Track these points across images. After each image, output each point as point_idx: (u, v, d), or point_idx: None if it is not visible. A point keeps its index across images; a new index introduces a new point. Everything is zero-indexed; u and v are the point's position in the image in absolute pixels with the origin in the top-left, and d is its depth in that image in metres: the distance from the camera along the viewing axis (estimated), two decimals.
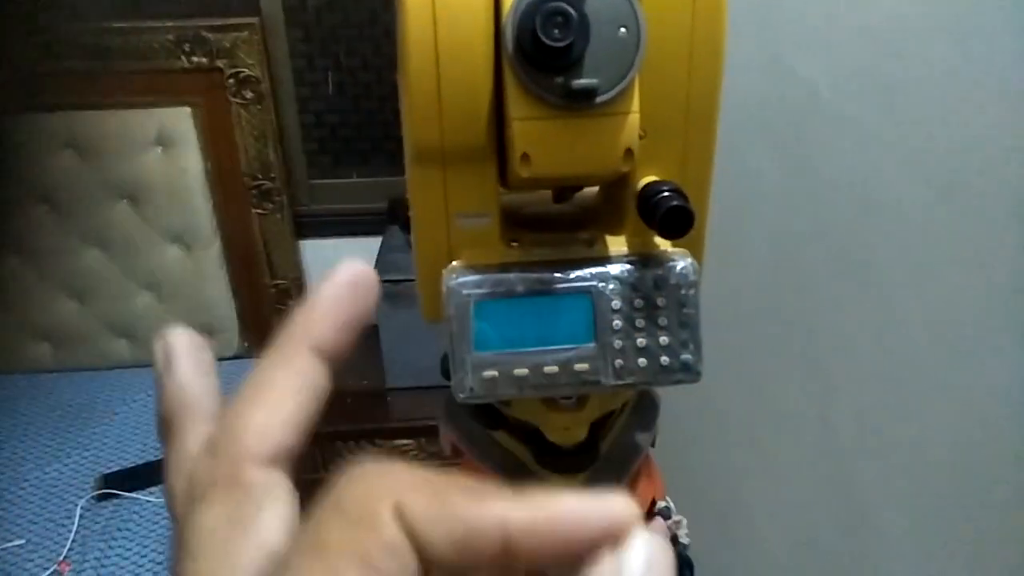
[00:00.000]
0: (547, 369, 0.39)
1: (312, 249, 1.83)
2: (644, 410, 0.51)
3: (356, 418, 1.64)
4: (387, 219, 1.66)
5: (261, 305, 1.82)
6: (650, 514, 0.51)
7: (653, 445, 0.52)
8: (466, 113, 0.37)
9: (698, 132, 0.40)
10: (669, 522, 0.51)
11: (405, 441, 1.61)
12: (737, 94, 0.87)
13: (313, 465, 1.64)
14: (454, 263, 0.41)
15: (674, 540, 0.51)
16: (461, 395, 0.39)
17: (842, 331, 0.76)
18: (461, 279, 0.39)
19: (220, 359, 1.77)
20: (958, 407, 0.65)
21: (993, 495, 0.63)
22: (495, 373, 0.39)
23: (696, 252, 0.42)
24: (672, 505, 0.52)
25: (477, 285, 0.39)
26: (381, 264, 1.61)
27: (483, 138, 0.38)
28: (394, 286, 1.56)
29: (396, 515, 0.17)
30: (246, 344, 1.84)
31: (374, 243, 1.69)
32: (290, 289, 1.81)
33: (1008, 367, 0.59)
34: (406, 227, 0.45)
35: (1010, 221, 0.59)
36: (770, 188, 0.84)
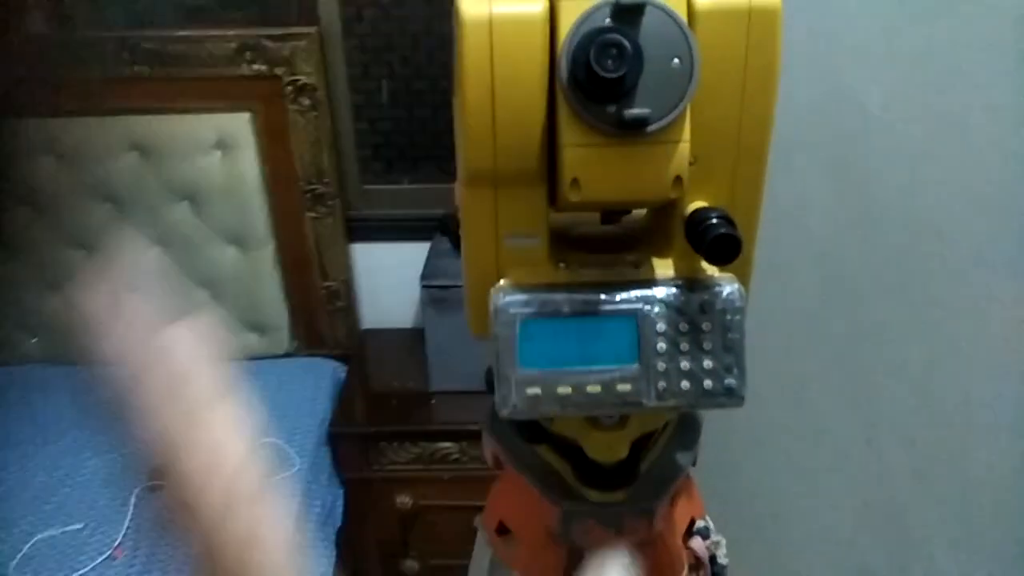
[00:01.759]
0: (590, 388, 0.40)
1: (362, 253, 1.87)
2: (686, 430, 0.52)
3: (400, 419, 1.66)
4: (439, 230, 1.68)
5: (312, 306, 1.86)
6: (688, 533, 0.52)
7: (694, 465, 0.52)
8: (519, 139, 0.38)
9: (748, 160, 0.41)
10: (708, 542, 0.51)
11: (447, 444, 1.63)
12: (790, 112, 0.87)
13: (358, 464, 1.67)
14: (502, 282, 0.42)
15: (712, 560, 0.51)
16: (504, 411, 0.40)
17: (891, 354, 0.75)
18: (509, 298, 0.41)
19: (271, 356, 1.82)
20: (1009, 436, 0.64)
21: None
22: (538, 391, 0.40)
23: (743, 277, 0.43)
24: (711, 525, 0.52)
25: (524, 304, 0.40)
26: (428, 270, 1.63)
27: (535, 163, 0.39)
28: (440, 292, 1.58)
29: None
30: (296, 343, 1.88)
31: (422, 249, 1.71)
32: (340, 291, 1.85)
33: None
34: (457, 243, 0.46)
35: None
36: (820, 207, 0.83)
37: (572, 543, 0.47)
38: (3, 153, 1.67)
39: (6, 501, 1.48)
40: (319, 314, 1.87)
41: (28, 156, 1.67)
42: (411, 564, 1.78)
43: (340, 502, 1.69)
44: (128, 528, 1.41)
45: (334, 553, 1.61)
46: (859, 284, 0.79)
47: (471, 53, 0.37)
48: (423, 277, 1.60)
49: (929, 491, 0.72)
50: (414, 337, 1.85)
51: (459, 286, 1.59)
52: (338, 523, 1.66)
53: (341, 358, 1.88)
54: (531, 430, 0.48)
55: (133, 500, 1.46)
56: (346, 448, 1.67)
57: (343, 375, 1.84)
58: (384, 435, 1.64)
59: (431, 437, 1.63)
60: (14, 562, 1.34)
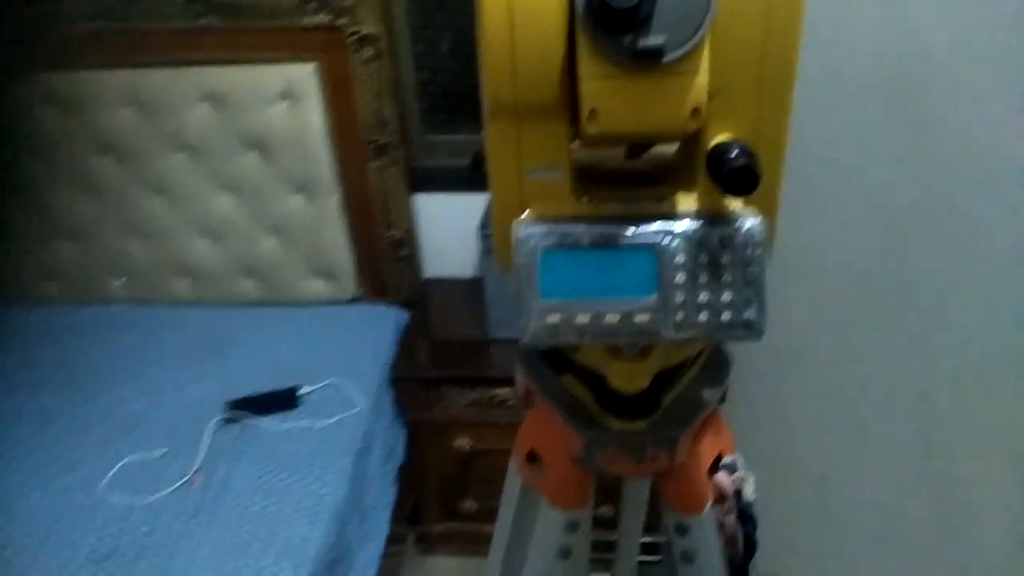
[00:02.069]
0: (608, 318, 0.41)
1: (424, 202, 1.90)
2: (715, 367, 0.52)
3: (459, 365, 1.70)
4: (470, 172, 1.69)
5: (376, 254, 1.90)
6: (715, 468, 0.52)
7: (722, 402, 0.53)
8: (539, 71, 0.39)
9: (773, 93, 0.40)
10: (734, 476, 0.52)
11: (504, 390, 1.66)
12: (855, 55, 0.84)
13: (419, 407, 1.73)
14: (524, 214, 0.43)
15: (738, 494, 0.52)
16: (525, 338, 0.42)
17: (947, 303, 0.73)
18: (530, 230, 0.42)
19: (338, 302, 1.89)
20: None
21: None
22: (558, 319, 0.41)
23: (769, 211, 0.43)
24: (740, 461, 0.53)
25: (545, 236, 0.42)
26: (487, 219, 1.65)
27: (554, 95, 0.40)
28: None
29: None
30: (361, 289, 1.94)
31: (482, 198, 1.73)
32: (403, 240, 1.89)
33: None
34: (484, 181, 0.47)
35: None
36: (881, 154, 0.81)
37: (595, 470, 0.49)
38: (84, 103, 1.76)
39: (97, 427, 1.60)
40: (383, 262, 1.92)
41: (108, 107, 1.75)
42: (469, 504, 1.84)
43: (402, 442, 1.76)
44: (205, 456, 1.50)
45: (395, 490, 1.68)
46: (920, 231, 0.77)
47: None
48: (483, 225, 1.62)
49: (976, 444, 0.70)
50: (474, 286, 1.88)
51: None
52: (399, 462, 1.73)
53: (404, 305, 1.93)
54: (557, 361, 0.50)
55: (209, 430, 1.55)
56: (408, 391, 1.72)
57: (405, 322, 1.89)
58: (444, 380, 1.69)
59: (489, 383, 1.67)
60: (104, 481, 1.45)
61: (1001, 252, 0.66)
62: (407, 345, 1.80)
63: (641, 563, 0.79)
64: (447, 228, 1.92)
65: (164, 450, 1.52)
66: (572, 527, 0.53)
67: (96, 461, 1.50)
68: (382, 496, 1.63)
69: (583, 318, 0.41)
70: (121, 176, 1.84)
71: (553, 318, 0.41)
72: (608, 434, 0.48)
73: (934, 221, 0.74)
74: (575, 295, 0.42)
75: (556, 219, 0.42)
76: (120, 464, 1.48)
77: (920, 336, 0.77)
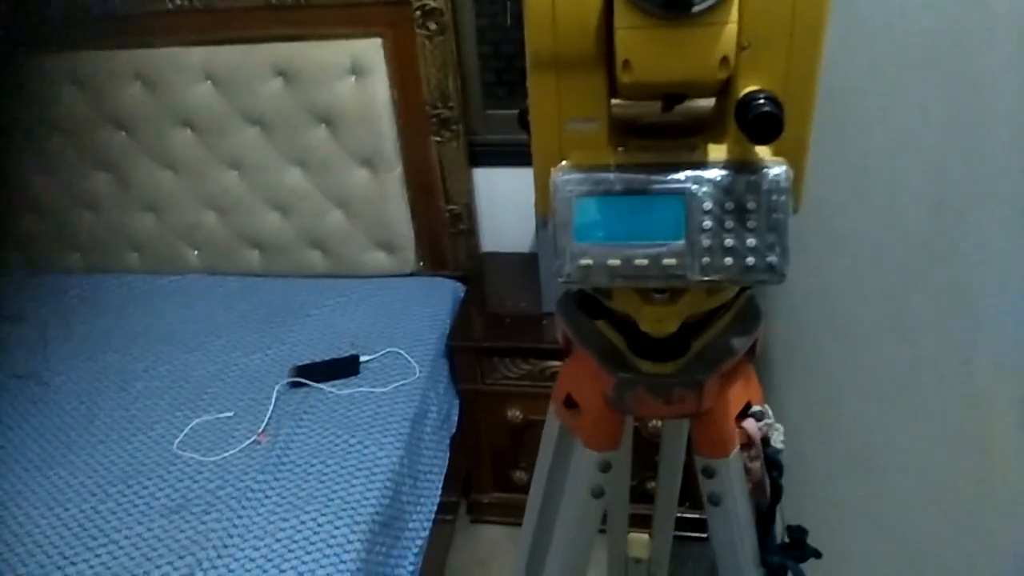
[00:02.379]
0: (637, 262, 0.44)
1: (483, 177, 1.93)
2: (746, 317, 0.54)
3: (513, 338, 1.74)
4: (518, 124, 1.71)
5: (436, 227, 1.95)
6: (743, 415, 0.54)
7: (754, 353, 0.55)
8: (576, 23, 0.41)
9: (802, 45, 0.42)
10: (761, 424, 0.54)
11: (556, 362, 1.69)
12: (908, 19, 0.83)
13: (473, 377, 1.77)
14: (563, 163, 0.46)
15: (765, 441, 0.54)
16: (560, 279, 0.45)
17: (995, 271, 0.72)
18: (566, 176, 0.45)
19: (398, 275, 1.94)
20: None
21: None
22: (590, 262, 0.44)
23: (796, 162, 0.44)
24: (768, 411, 0.55)
25: (580, 183, 0.44)
26: None
27: (592, 47, 0.42)
28: None
29: None
30: (421, 263, 1.99)
31: None
32: (462, 214, 1.93)
33: None
34: (529, 132, 0.50)
35: None
36: (933, 124, 0.80)
37: (625, 411, 0.52)
38: (162, 77, 1.85)
39: (172, 390, 1.70)
40: (442, 236, 1.97)
41: (188, 81, 1.84)
42: (520, 475, 1.88)
43: (456, 411, 1.81)
44: (270, 419, 1.58)
45: (447, 456, 1.73)
46: (970, 199, 0.76)
47: None
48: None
49: (1019, 417, 0.70)
50: (530, 261, 1.92)
51: None
52: (453, 430, 1.78)
53: (461, 279, 1.97)
54: (592, 307, 0.52)
55: (275, 395, 1.63)
56: (463, 361, 1.77)
57: (462, 294, 1.94)
58: (498, 351, 1.73)
59: (541, 355, 1.70)
60: (177, 440, 1.55)
61: None
62: (464, 317, 1.85)
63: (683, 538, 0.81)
64: (505, 203, 1.95)
65: (232, 412, 1.61)
66: (605, 467, 0.55)
67: (171, 421, 1.60)
68: (435, 462, 1.68)
69: (614, 261, 0.44)
70: (197, 150, 1.93)
71: (586, 260, 0.44)
72: (638, 376, 0.50)
73: (983, 186, 0.73)
74: (607, 239, 0.44)
75: (591, 167, 0.45)
76: (192, 424, 1.58)
77: (966, 305, 0.76)
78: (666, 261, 0.43)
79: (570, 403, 0.56)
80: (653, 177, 0.44)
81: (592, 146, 0.46)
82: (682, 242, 0.43)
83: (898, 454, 0.90)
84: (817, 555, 0.57)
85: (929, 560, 0.81)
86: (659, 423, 1.49)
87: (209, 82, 1.84)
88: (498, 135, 1.88)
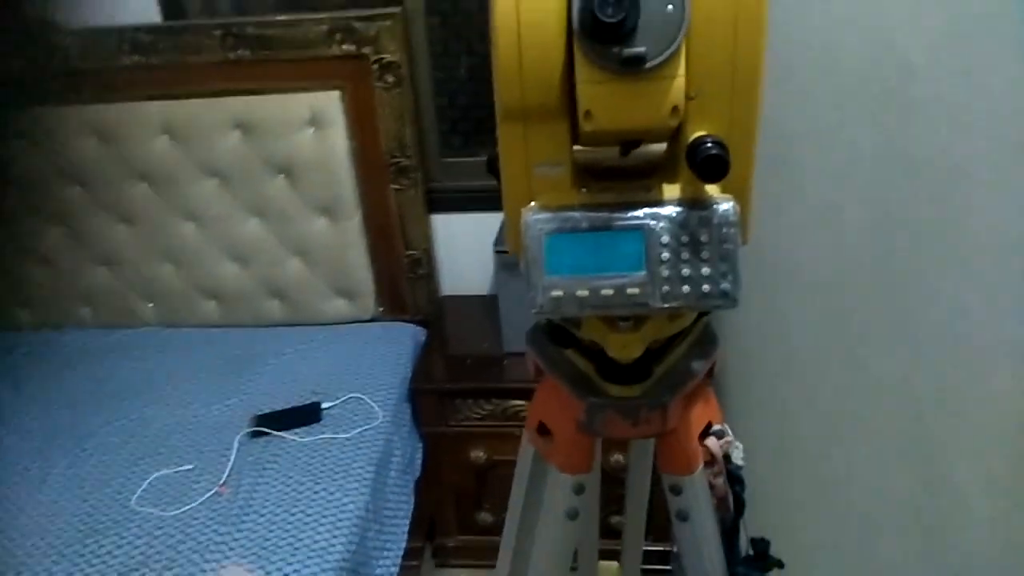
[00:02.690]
0: (604, 292, 0.48)
1: (442, 222, 1.98)
2: (703, 343, 0.58)
3: (475, 378, 1.76)
4: (487, 171, 1.76)
5: (395, 273, 1.98)
6: (705, 434, 0.58)
7: (711, 375, 0.59)
8: (542, 78, 0.46)
9: (743, 94, 0.47)
10: (722, 441, 0.58)
11: (518, 402, 1.72)
12: (837, 68, 0.91)
13: (436, 419, 1.78)
14: (532, 204, 0.50)
15: (727, 458, 0.58)
16: (533, 310, 0.49)
17: (930, 298, 0.78)
18: (536, 216, 0.49)
19: (358, 321, 1.95)
20: None
21: None
22: (561, 293, 0.48)
23: (742, 198, 0.49)
24: (728, 429, 0.59)
25: (548, 221, 0.48)
26: (501, 236, 1.72)
27: (556, 99, 0.47)
28: (512, 257, 1.66)
29: None
30: (381, 308, 2.01)
31: (497, 218, 1.81)
32: (421, 259, 1.96)
33: None
34: (499, 178, 0.54)
35: None
36: (865, 158, 0.87)
37: (595, 433, 0.55)
38: (122, 133, 1.86)
39: (129, 445, 1.67)
40: (401, 281, 1.99)
41: (145, 135, 1.85)
42: (484, 516, 1.88)
43: (419, 454, 1.81)
44: (232, 469, 1.56)
45: (413, 501, 1.73)
46: (902, 229, 0.82)
47: (501, 6, 0.44)
48: (497, 242, 1.69)
49: (960, 427, 0.75)
50: (489, 303, 1.95)
51: None
52: (417, 473, 1.79)
53: (421, 323, 2.00)
54: (561, 336, 0.56)
55: (236, 445, 1.62)
56: (425, 404, 1.78)
57: (423, 338, 1.96)
58: (460, 392, 1.75)
59: (504, 395, 1.73)
60: (136, 495, 1.52)
61: (979, 250, 0.72)
62: (425, 360, 1.87)
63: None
64: (463, 247, 1.99)
65: (192, 465, 1.59)
66: (579, 489, 0.58)
67: (128, 476, 1.57)
68: (400, 506, 1.68)
69: (583, 292, 0.48)
70: (154, 203, 1.94)
71: (557, 292, 0.48)
72: (607, 400, 0.54)
73: (916, 219, 0.80)
74: (575, 272, 0.48)
75: (559, 207, 0.49)
76: (150, 479, 1.55)
77: (902, 322, 0.83)
78: (630, 290, 0.47)
79: (543, 430, 0.59)
80: (615, 215, 0.48)
81: (558, 188, 0.50)
82: (643, 273, 0.47)
83: (848, 466, 0.95)
84: (780, 565, 0.61)
85: (882, 562, 0.85)
86: (621, 458, 1.52)
87: (166, 136, 1.85)
88: (455, 182, 1.94)
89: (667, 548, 1.72)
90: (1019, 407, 0.69)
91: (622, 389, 0.53)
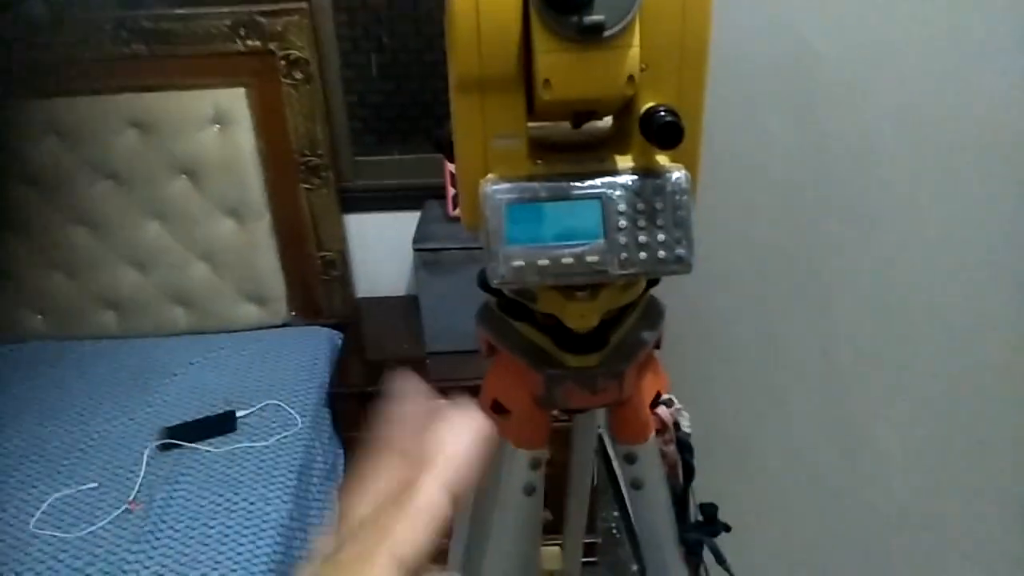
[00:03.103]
0: (564, 260, 0.48)
1: (356, 223, 1.94)
2: (651, 313, 0.60)
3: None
4: (434, 148, 1.75)
5: (308, 275, 1.93)
6: (655, 403, 0.60)
7: (658, 346, 0.61)
8: (500, 48, 0.46)
9: (691, 65, 0.49)
10: (672, 409, 0.59)
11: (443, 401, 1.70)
12: (747, 56, 0.95)
13: (355, 424, 1.75)
14: (490, 175, 0.50)
15: (676, 426, 0.59)
16: (495, 281, 0.49)
17: (842, 271, 0.83)
18: (495, 187, 0.49)
19: (270, 326, 1.89)
20: (949, 334, 0.73)
21: (985, 410, 0.70)
22: (522, 263, 0.48)
23: (691, 167, 0.51)
24: (675, 398, 0.61)
25: (508, 192, 0.49)
26: (420, 234, 1.71)
27: (514, 69, 0.47)
28: (432, 255, 1.66)
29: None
30: (293, 312, 1.95)
31: (413, 218, 1.79)
32: (335, 260, 1.92)
33: (994, 295, 0.66)
34: (449, 155, 0.54)
35: (994, 170, 0.66)
36: (777, 140, 0.92)
37: (554, 405, 0.56)
38: (6, 134, 1.73)
39: (22, 465, 1.55)
40: (315, 284, 1.94)
41: (31, 136, 1.73)
42: None
43: (342, 460, 1.77)
44: (142, 484, 1.48)
45: (337, 508, 1.69)
46: (813, 208, 0.88)
47: None
48: (415, 241, 1.68)
49: (877, 393, 0.80)
50: (407, 304, 1.93)
51: (450, 248, 1.67)
52: (340, 479, 1.74)
53: (338, 326, 1.95)
54: (517, 309, 0.56)
55: (145, 459, 1.53)
56: (345, 409, 1.75)
57: (340, 341, 1.91)
58: (380, 395, 1.72)
59: None
60: (34, 518, 1.42)
61: (887, 223, 0.77)
62: (343, 364, 1.83)
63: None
64: (379, 247, 1.97)
65: (95, 483, 1.49)
66: (535, 465, 0.59)
67: (24, 499, 1.46)
68: (325, 512, 1.64)
69: (543, 261, 0.48)
70: (42, 207, 1.81)
71: (518, 262, 0.48)
72: (565, 371, 0.54)
73: (828, 198, 0.85)
74: (536, 242, 0.48)
75: (516, 178, 0.49)
76: (49, 500, 1.45)
77: (820, 303, 0.88)
78: (589, 258, 0.48)
79: (497, 408, 0.59)
80: (573, 184, 0.49)
81: (514, 160, 0.50)
82: (602, 241, 0.48)
83: (772, 437, 1.00)
84: (727, 529, 0.63)
85: (808, 520, 0.90)
86: None
87: (55, 135, 1.74)
88: (369, 181, 1.91)
89: (594, 540, 1.75)
90: (936, 372, 0.74)
91: (580, 359, 0.54)
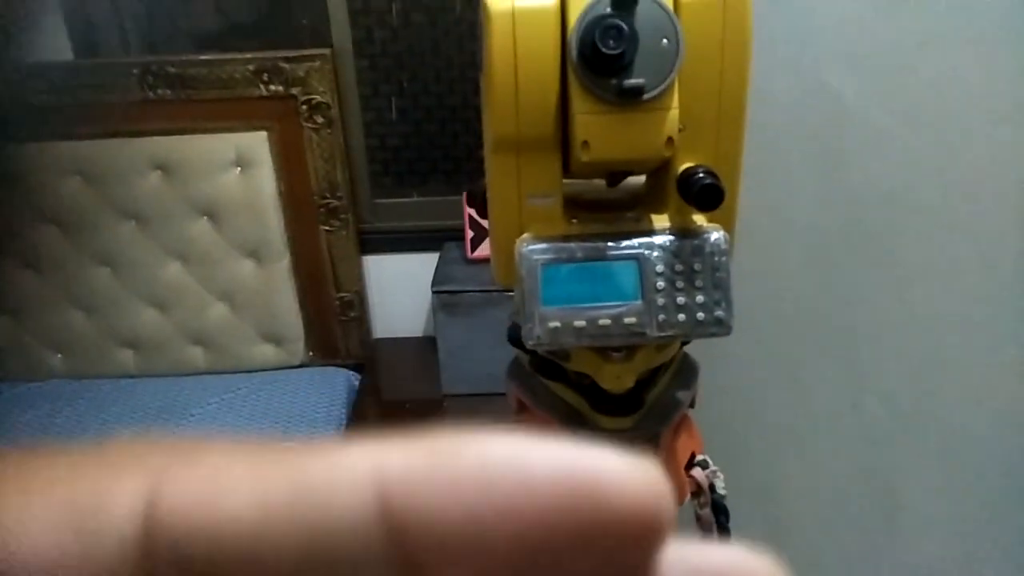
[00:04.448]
0: (601, 322, 0.48)
1: (374, 264, 1.95)
2: (685, 372, 0.59)
3: (414, 423, 1.72)
4: (467, 203, 1.74)
5: (326, 316, 1.93)
6: (690, 465, 0.58)
7: (692, 405, 0.59)
8: (538, 109, 0.46)
9: (729, 125, 0.48)
10: (707, 471, 0.58)
11: None
12: (775, 104, 0.95)
13: None
14: (525, 235, 0.49)
15: (711, 488, 0.58)
16: (530, 343, 0.48)
17: (872, 322, 0.82)
18: (531, 247, 0.48)
19: (287, 367, 1.88)
20: (983, 391, 0.71)
21: (1018, 468, 0.68)
22: (558, 324, 0.47)
23: (728, 227, 0.50)
24: (709, 459, 0.59)
25: (544, 252, 0.48)
26: (439, 276, 1.71)
27: (551, 130, 0.47)
28: (451, 297, 1.66)
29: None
30: (311, 353, 1.95)
31: (431, 259, 1.79)
32: (353, 301, 1.92)
33: (1021, 348, 0.65)
34: (483, 211, 0.54)
35: (1018, 221, 0.65)
36: (804, 189, 0.91)
37: None
38: (30, 175, 1.76)
39: None
40: (333, 325, 1.94)
41: (55, 177, 1.75)
42: None
43: None
44: None
45: None
46: (841, 257, 0.87)
47: (497, 39, 0.44)
48: (434, 283, 1.68)
49: (910, 448, 0.79)
50: (425, 345, 1.92)
51: (469, 291, 1.66)
52: None
53: (355, 367, 1.94)
54: (550, 369, 0.55)
55: None
56: None
57: (357, 383, 1.90)
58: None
59: None
60: None
61: (916, 273, 0.76)
62: (360, 406, 1.82)
63: None
64: (397, 289, 1.96)
65: None
66: None
67: None
68: None
69: (580, 322, 0.47)
70: (64, 247, 1.83)
71: (554, 323, 0.47)
72: (599, 433, 0.53)
73: (855, 247, 0.84)
74: (572, 303, 0.48)
75: (552, 238, 0.48)
76: None
77: (849, 353, 0.86)
78: (627, 320, 0.47)
79: None
80: (609, 244, 0.48)
81: (549, 219, 0.50)
82: (640, 302, 0.48)
83: (804, 498, 0.97)
84: None
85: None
86: None
87: (78, 177, 1.76)
88: (388, 222, 1.91)
89: None
90: (967, 426, 0.72)
91: (615, 421, 0.53)
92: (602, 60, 0.42)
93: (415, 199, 1.93)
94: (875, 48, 0.80)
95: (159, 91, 1.68)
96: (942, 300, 0.74)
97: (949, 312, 0.73)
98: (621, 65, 0.43)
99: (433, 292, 1.67)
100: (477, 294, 1.64)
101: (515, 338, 0.54)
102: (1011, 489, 0.69)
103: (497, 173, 0.49)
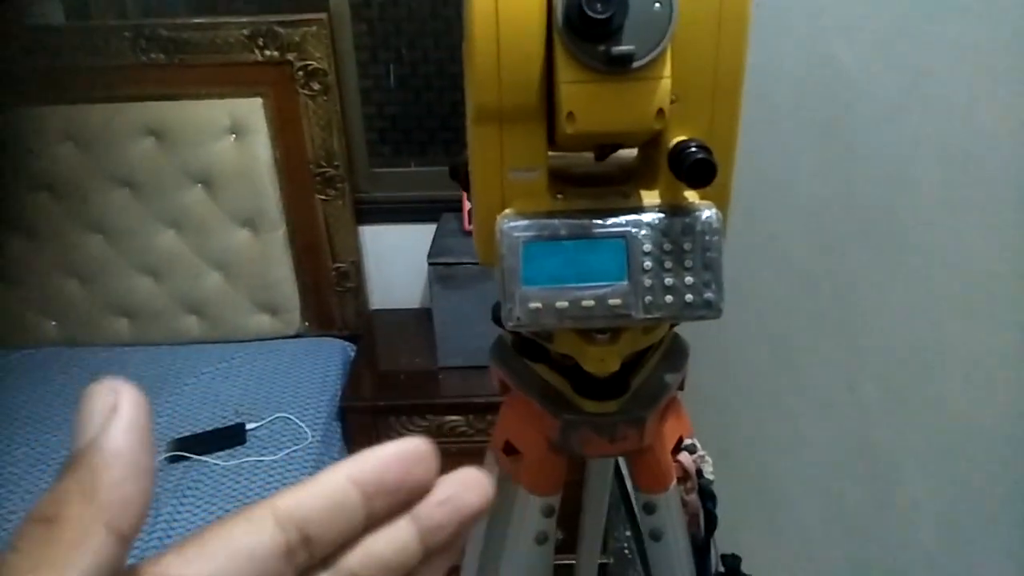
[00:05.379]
0: (585, 303, 0.45)
1: (371, 234, 1.92)
2: (674, 354, 0.57)
3: (409, 395, 1.72)
4: (450, 178, 1.72)
5: (322, 286, 1.91)
6: (677, 449, 0.57)
7: (682, 388, 0.57)
8: (521, 78, 0.43)
9: (725, 98, 0.46)
10: (695, 456, 0.56)
11: (455, 417, 1.68)
12: (778, 77, 0.92)
13: (368, 438, 1.72)
14: (507, 210, 0.47)
15: (699, 473, 0.56)
16: (510, 324, 0.46)
17: (870, 301, 0.80)
18: (513, 223, 0.46)
19: (283, 337, 1.87)
20: (984, 373, 0.69)
21: (1017, 455, 0.66)
22: (539, 305, 0.45)
23: (722, 204, 0.48)
24: (698, 443, 0.57)
25: (526, 229, 0.46)
26: (436, 248, 1.68)
27: (535, 100, 0.44)
28: (447, 269, 1.63)
29: None
30: (307, 323, 1.94)
31: (429, 230, 1.77)
32: (349, 272, 1.90)
33: None
34: (465, 185, 0.51)
35: None
36: (807, 165, 0.88)
37: (570, 452, 0.53)
38: (21, 141, 1.73)
39: (30, 475, 1.54)
40: (329, 295, 1.92)
41: (47, 143, 1.73)
42: None
43: None
44: None
45: None
46: (842, 235, 0.84)
47: (479, 6, 0.42)
48: (430, 255, 1.65)
49: (905, 430, 0.77)
50: (421, 317, 1.91)
51: (465, 263, 1.64)
52: None
53: (350, 338, 1.93)
54: (533, 350, 0.53)
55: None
56: (356, 423, 1.72)
57: (352, 354, 1.89)
58: (393, 409, 1.70)
59: (438, 411, 1.69)
60: None
61: (918, 252, 0.73)
62: (355, 377, 1.81)
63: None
64: (393, 259, 1.94)
65: None
66: (548, 512, 0.56)
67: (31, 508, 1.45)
68: None
69: (562, 303, 0.45)
70: (56, 214, 1.80)
71: (535, 304, 0.45)
72: (583, 416, 0.51)
73: (857, 230, 0.82)
74: (554, 282, 0.45)
75: (535, 214, 0.46)
76: None
77: (847, 334, 0.84)
78: (611, 301, 0.45)
79: (509, 450, 0.57)
80: (595, 222, 0.46)
81: (533, 194, 0.47)
82: (626, 283, 0.45)
83: (798, 482, 0.96)
84: None
85: (836, 572, 0.86)
86: None
87: (71, 142, 1.73)
88: (385, 192, 1.89)
89: (605, 560, 1.72)
90: (966, 411, 0.70)
91: (599, 405, 0.51)
92: (589, 24, 0.40)
93: (413, 169, 1.90)
94: (881, 21, 0.76)
95: (152, 55, 1.64)
96: (943, 281, 0.71)
97: (950, 294, 0.71)
98: (609, 30, 0.40)
99: (429, 264, 1.65)
100: (474, 267, 1.62)
101: (499, 318, 0.52)
102: (1009, 475, 0.67)
103: (479, 145, 0.46)
